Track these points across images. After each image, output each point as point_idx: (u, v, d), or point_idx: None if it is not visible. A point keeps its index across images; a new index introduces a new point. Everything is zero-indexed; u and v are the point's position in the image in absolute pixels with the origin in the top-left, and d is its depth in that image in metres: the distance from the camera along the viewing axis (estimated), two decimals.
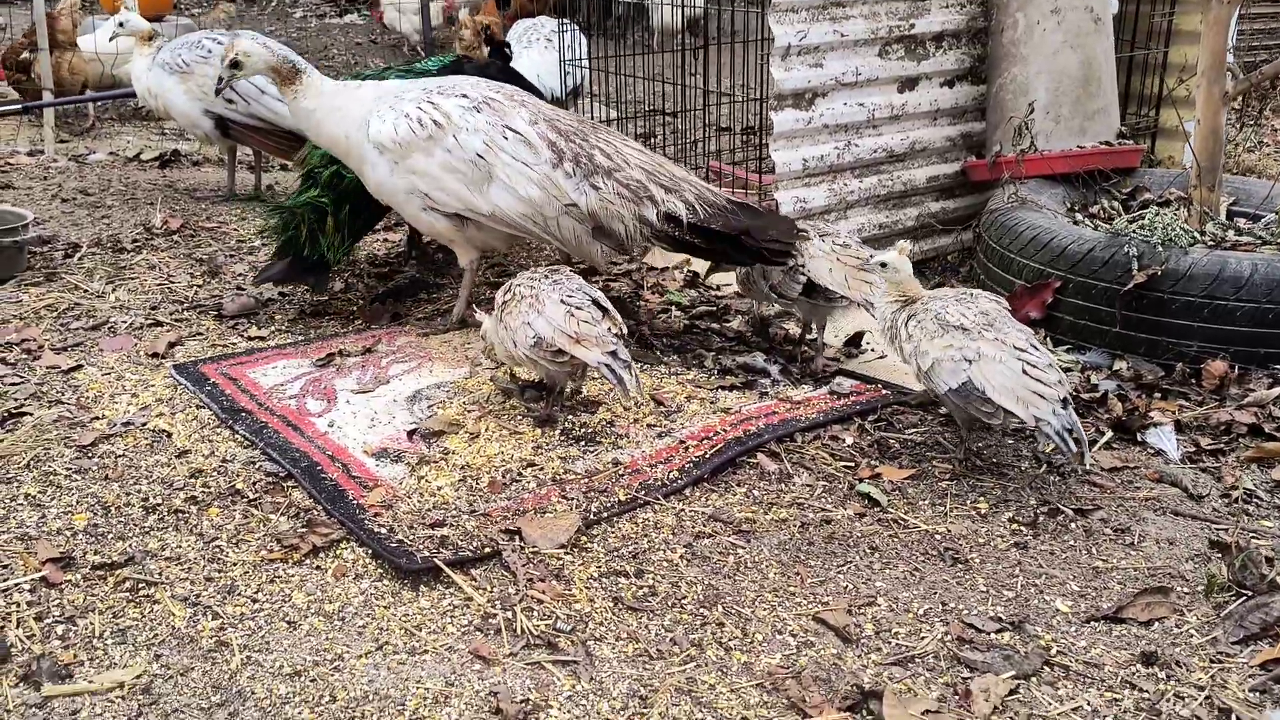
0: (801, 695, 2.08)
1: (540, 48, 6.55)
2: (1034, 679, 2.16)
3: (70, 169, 6.29)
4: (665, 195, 3.50)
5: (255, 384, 3.39)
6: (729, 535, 2.63)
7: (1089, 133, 4.36)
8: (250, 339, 3.83)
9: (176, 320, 3.97)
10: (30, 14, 6.91)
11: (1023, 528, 2.70)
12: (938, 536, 2.65)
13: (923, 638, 2.28)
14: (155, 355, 3.62)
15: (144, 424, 3.12)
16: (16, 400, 3.24)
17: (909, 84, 4.48)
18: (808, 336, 3.70)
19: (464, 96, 3.60)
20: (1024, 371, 2.75)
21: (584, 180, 3.50)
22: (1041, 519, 2.73)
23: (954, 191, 4.76)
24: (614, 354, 2.94)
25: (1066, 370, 3.44)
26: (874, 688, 2.08)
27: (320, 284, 4.14)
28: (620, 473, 2.88)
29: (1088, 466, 2.95)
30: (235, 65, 3.70)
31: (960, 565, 2.54)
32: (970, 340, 2.81)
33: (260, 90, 5.33)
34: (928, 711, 2.03)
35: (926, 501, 2.81)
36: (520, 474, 2.86)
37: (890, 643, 2.26)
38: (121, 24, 5.58)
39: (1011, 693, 2.11)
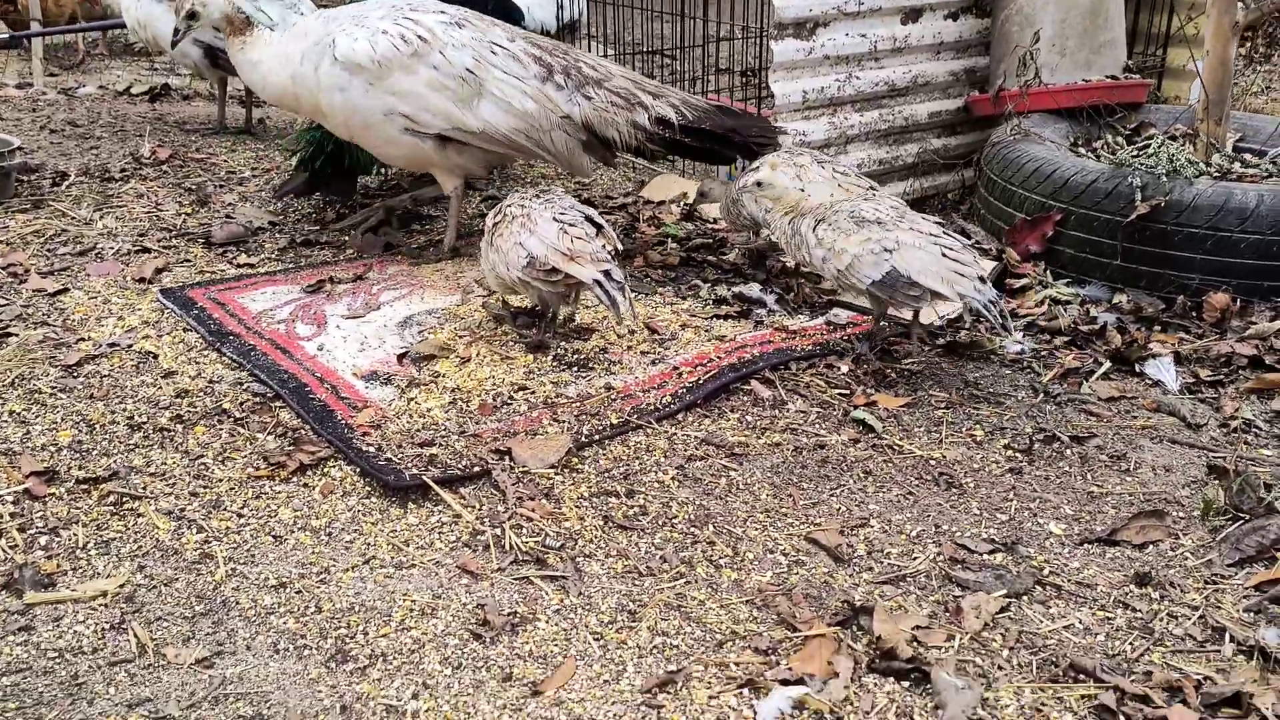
0: (791, 611, 2.06)
1: None
2: (1025, 598, 2.14)
3: (59, 102, 6.18)
4: (654, 101, 3.61)
5: (244, 309, 3.34)
6: (721, 458, 2.60)
7: (1095, 66, 4.27)
8: (239, 266, 3.78)
9: (164, 247, 3.91)
10: None
11: (1018, 454, 2.67)
12: (932, 462, 2.62)
13: (915, 558, 2.26)
14: (142, 280, 3.57)
15: (130, 345, 3.08)
16: (1, 322, 3.19)
17: (912, 15, 4.38)
18: (804, 267, 3.64)
19: (442, 13, 3.53)
20: (943, 255, 2.87)
21: (576, 91, 3.51)
22: (1037, 446, 2.70)
23: (956, 128, 4.67)
24: (608, 274, 2.88)
25: (1065, 303, 3.41)
26: (865, 604, 2.06)
27: (349, 191, 4.15)
28: (612, 397, 2.84)
29: (1015, 337, 3.15)
30: (192, 16, 3.65)
31: (954, 489, 2.51)
32: (887, 231, 2.91)
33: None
34: (918, 627, 2.01)
35: (922, 429, 2.78)
36: (511, 398, 2.83)
37: (882, 563, 2.24)
38: None
39: (1002, 610, 2.10)
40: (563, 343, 3.12)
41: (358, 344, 3.12)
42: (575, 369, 2.99)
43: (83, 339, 3.11)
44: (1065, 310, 3.34)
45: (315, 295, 3.47)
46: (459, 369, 2.96)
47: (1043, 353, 3.17)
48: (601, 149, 3.63)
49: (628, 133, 3.57)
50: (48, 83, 6.64)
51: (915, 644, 1.96)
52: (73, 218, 4.16)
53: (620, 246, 3.02)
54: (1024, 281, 3.49)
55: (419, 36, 3.42)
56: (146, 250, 3.86)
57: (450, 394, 2.83)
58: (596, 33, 6.72)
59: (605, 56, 6.13)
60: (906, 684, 1.90)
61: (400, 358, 3.01)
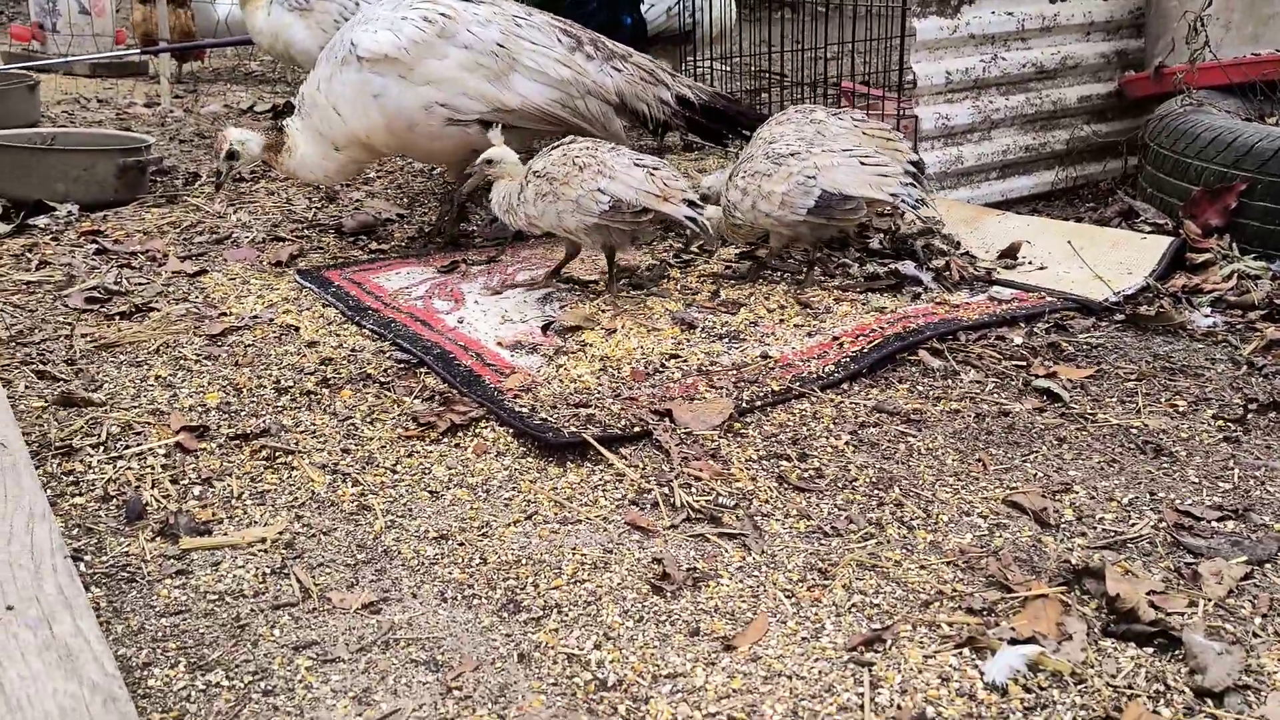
0: (1002, 572, 1.85)
1: None
2: (1270, 565, 1.89)
3: (185, 119, 6.32)
4: (672, 80, 3.75)
5: (380, 287, 3.28)
6: (897, 424, 2.41)
7: (1263, 39, 3.98)
8: (371, 252, 3.73)
9: (298, 236, 3.89)
10: None
11: (1230, 424, 2.41)
12: (1133, 430, 2.38)
13: (1133, 524, 2.02)
14: (278, 264, 3.54)
15: (271, 319, 3.02)
16: (144, 298, 3.18)
17: None
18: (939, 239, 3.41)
19: None
20: (862, 164, 3.04)
21: (605, 63, 3.56)
22: (1250, 416, 2.43)
23: (1106, 114, 4.41)
24: (691, 204, 2.99)
25: (1255, 278, 3.13)
26: (1090, 566, 1.83)
27: None
28: (770, 365, 2.67)
29: (938, 218, 3.39)
30: (232, 156, 3.54)
31: (1165, 457, 2.27)
32: (803, 160, 3.04)
33: None
34: (1153, 592, 1.78)
35: (1113, 399, 2.54)
36: (663, 365, 2.68)
37: (1095, 528, 2.01)
38: None
39: (1246, 577, 1.85)
40: (710, 316, 2.97)
41: (498, 317, 3.01)
42: (726, 340, 2.83)
43: (224, 313, 3.07)
44: (1256, 285, 3.07)
45: (450, 275, 3.39)
46: (605, 340, 2.82)
47: (1237, 326, 2.90)
48: (635, 118, 3.69)
49: (656, 107, 3.67)
50: (174, 103, 6.82)
51: (1154, 608, 1.73)
52: (207, 211, 4.19)
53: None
54: (1206, 256, 3.21)
55: (442, 14, 3.33)
56: (280, 239, 3.85)
57: (599, 361, 2.69)
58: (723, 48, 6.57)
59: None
60: (1150, 649, 1.66)
61: (544, 329, 2.90)
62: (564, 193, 2.98)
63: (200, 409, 2.48)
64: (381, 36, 3.32)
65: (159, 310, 3.08)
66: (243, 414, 2.46)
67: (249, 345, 2.85)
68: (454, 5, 3.40)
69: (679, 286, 3.22)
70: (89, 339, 2.84)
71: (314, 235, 3.92)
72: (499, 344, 2.82)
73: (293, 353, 2.80)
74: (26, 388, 2.57)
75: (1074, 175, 4.41)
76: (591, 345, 2.78)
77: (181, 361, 2.73)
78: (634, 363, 2.69)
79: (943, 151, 4.08)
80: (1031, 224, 3.67)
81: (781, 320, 2.96)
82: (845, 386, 2.60)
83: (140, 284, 3.31)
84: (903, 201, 3.03)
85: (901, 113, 4.16)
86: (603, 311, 3.00)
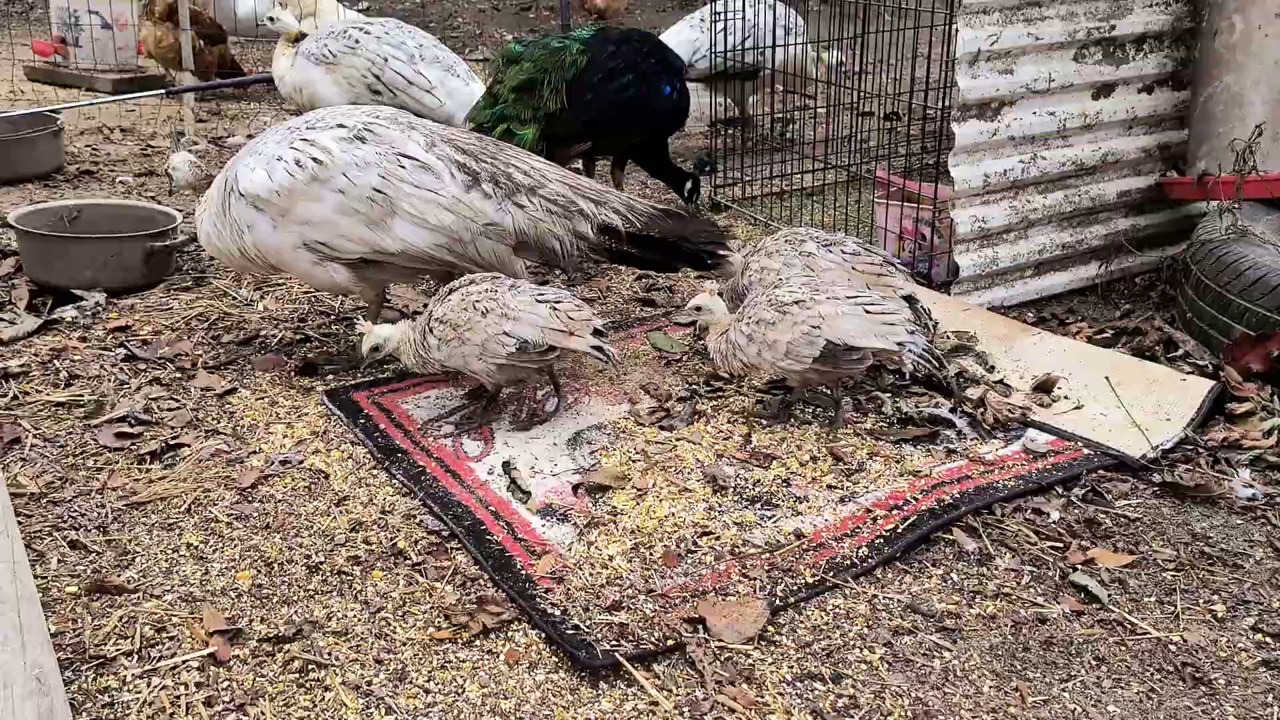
0: None
1: (686, 25, 6.21)
2: None
3: (210, 152, 6.28)
4: (596, 208, 3.41)
5: (408, 417, 3.26)
6: (932, 633, 2.39)
7: None
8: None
9: (324, 335, 3.88)
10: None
11: (1269, 639, 2.38)
12: (1172, 647, 2.35)
13: None
14: (305, 373, 3.53)
15: (300, 462, 3.02)
16: (173, 429, 3.18)
17: (1104, 90, 4.06)
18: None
19: (340, 127, 3.33)
20: (867, 312, 3.05)
21: (506, 200, 3.33)
22: None
23: (1144, 208, 4.32)
24: (597, 333, 3.06)
25: None
26: None
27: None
28: (804, 548, 2.65)
29: (951, 373, 3.33)
30: (169, 175, 3.80)
31: (1203, 687, 2.24)
32: (808, 310, 3.04)
33: (408, 81, 5.22)
34: None
35: (1152, 598, 2.51)
36: (696, 543, 2.66)
37: None
38: (271, 19, 5.54)
39: None
40: (741, 472, 2.95)
41: (528, 466, 3.00)
42: (758, 505, 2.81)
43: (254, 451, 3.06)
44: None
45: (478, 401, 3.37)
46: (636, 504, 2.80)
47: (1277, 499, 2.86)
48: (544, 256, 3.45)
49: (569, 243, 3.38)
50: (198, 130, 6.78)
51: None
52: (234, 299, 4.17)
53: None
54: (1247, 406, 3.16)
55: (314, 159, 3.23)
56: (308, 339, 3.83)
57: (631, 536, 2.68)
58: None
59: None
60: None
61: (575, 489, 2.88)
62: (468, 338, 3.03)
63: (232, 593, 2.48)
64: (256, 176, 3.28)
65: (188, 447, 3.08)
66: (274, 600, 2.46)
67: (279, 501, 2.84)
68: (331, 147, 3.26)
69: (709, 426, 3.19)
70: (120, 493, 2.85)
71: (340, 332, 3.90)
72: (529, 508, 2.80)
73: (323, 512, 2.80)
74: (59, 563, 2.57)
75: (1111, 270, 4.33)
76: (623, 513, 2.76)
77: (213, 525, 2.73)
78: (666, 539, 2.67)
79: (978, 254, 4.01)
80: (1068, 350, 3.60)
81: (814, 478, 2.93)
82: (878, 573, 2.58)
83: (171, 408, 3.30)
84: (909, 352, 3.06)
85: (937, 208, 4.09)
86: (633, 463, 2.98)
